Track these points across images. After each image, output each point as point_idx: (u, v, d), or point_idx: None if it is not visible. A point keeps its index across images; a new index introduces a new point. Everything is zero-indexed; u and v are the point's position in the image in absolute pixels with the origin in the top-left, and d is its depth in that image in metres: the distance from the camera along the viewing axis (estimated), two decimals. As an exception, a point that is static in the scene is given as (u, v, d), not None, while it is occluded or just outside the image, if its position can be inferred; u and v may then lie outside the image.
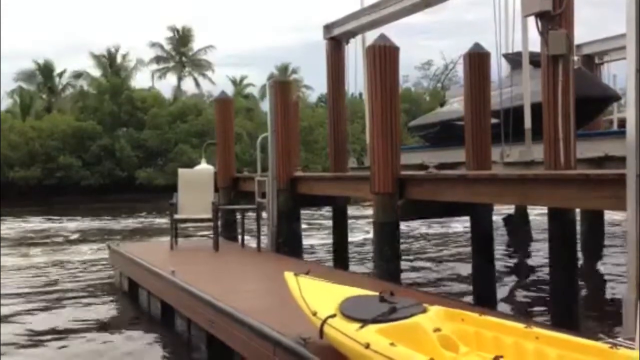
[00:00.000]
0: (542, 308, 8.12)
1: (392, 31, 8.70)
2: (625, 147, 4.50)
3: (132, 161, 36.30)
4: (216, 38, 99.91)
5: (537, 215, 15.65)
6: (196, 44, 49.18)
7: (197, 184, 10.53)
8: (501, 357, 3.09)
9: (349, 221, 11.54)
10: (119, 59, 43.32)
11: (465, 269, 10.02)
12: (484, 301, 7.24)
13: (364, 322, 3.69)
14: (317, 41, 11.52)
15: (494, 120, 8.66)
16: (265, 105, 15.05)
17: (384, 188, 7.65)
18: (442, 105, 17.64)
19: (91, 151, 36.30)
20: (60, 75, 44.87)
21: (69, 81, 44.25)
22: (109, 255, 11.15)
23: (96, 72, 42.83)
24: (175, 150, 36.03)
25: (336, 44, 10.98)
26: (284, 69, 49.15)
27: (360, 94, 18.99)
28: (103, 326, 7.66)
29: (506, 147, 8.92)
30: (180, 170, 11.17)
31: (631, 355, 2.94)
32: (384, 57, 7.65)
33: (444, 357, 3.32)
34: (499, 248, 12.14)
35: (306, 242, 12.55)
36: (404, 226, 9.29)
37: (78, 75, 42.67)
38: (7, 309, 8.56)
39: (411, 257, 12.76)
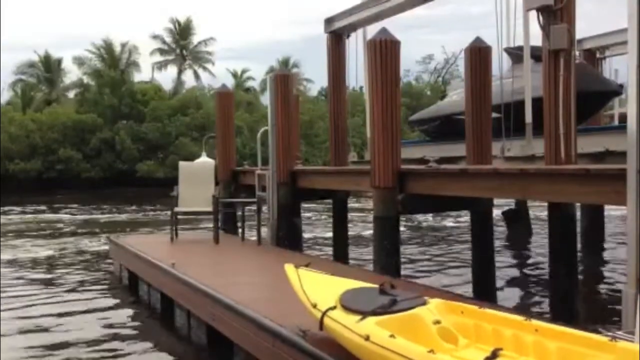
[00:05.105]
0: (542, 302, 8.13)
1: (393, 25, 8.70)
2: (626, 142, 4.51)
3: (133, 154, 36.28)
4: (217, 31, 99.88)
5: (537, 209, 15.67)
6: (197, 37, 49.16)
7: (197, 177, 10.54)
8: (500, 349, 3.11)
9: (350, 214, 11.55)
10: (117, 49, 43.20)
11: (465, 263, 10.04)
12: (484, 295, 7.26)
13: (364, 314, 3.70)
14: (318, 35, 11.51)
15: (494, 115, 8.66)
16: (266, 99, 15.05)
17: (384, 182, 7.66)
18: (442, 99, 17.63)
19: (91, 144, 36.29)
20: (59, 63, 44.80)
21: (70, 65, 44.18)
22: (109, 247, 11.17)
23: (97, 63, 42.74)
24: (176, 143, 36.00)
25: (337, 37, 10.96)
26: (284, 63, 49.08)
27: (361, 88, 18.98)
28: (102, 318, 7.67)
29: (507, 141, 8.91)
30: (181, 164, 11.18)
31: (631, 348, 2.94)
32: (384, 51, 7.64)
33: (444, 349, 3.33)
34: (499, 242, 12.15)
35: (306, 235, 12.56)
36: (403, 220, 9.31)
37: (81, 62, 42.56)
38: (6, 302, 8.58)
39: (411, 251, 12.77)
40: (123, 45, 43.37)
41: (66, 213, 23.64)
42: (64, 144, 35.89)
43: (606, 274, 10.45)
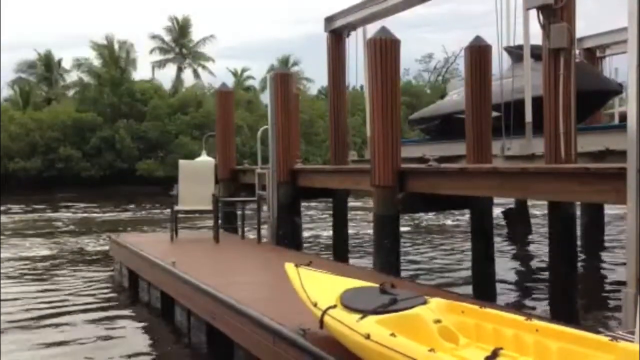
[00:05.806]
0: (542, 301, 8.13)
1: (393, 24, 8.69)
2: (626, 141, 4.51)
3: (133, 153, 36.26)
4: (217, 30, 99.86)
5: (537, 208, 15.67)
6: (196, 36, 49.07)
7: (197, 176, 10.54)
8: (501, 349, 3.10)
9: (350, 213, 11.54)
10: (117, 47, 43.12)
11: (465, 263, 10.04)
12: (484, 294, 7.26)
13: (365, 313, 3.70)
14: (318, 34, 11.51)
15: (494, 114, 8.66)
16: (266, 98, 15.05)
17: (384, 181, 7.65)
18: (442, 98, 17.62)
19: (91, 143, 36.27)
20: (59, 63, 44.82)
21: (70, 67, 44.15)
22: (109, 246, 11.17)
23: (96, 62, 42.76)
24: (176, 142, 35.99)
25: (337, 36, 10.96)
26: (284, 62, 49.05)
27: (361, 87, 18.97)
28: (102, 317, 7.67)
29: (507, 140, 8.92)
30: (181, 162, 11.18)
31: (631, 348, 2.94)
32: (384, 50, 7.64)
33: (444, 348, 3.32)
34: (499, 241, 12.15)
35: (306, 234, 12.55)
36: (403, 219, 9.31)
37: (79, 64, 42.62)
38: (5, 300, 8.58)
39: (411, 250, 12.77)
40: (122, 44, 43.35)
41: (66, 212, 23.63)
42: (64, 143, 35.86)
43: (606, 273, 10.45)
